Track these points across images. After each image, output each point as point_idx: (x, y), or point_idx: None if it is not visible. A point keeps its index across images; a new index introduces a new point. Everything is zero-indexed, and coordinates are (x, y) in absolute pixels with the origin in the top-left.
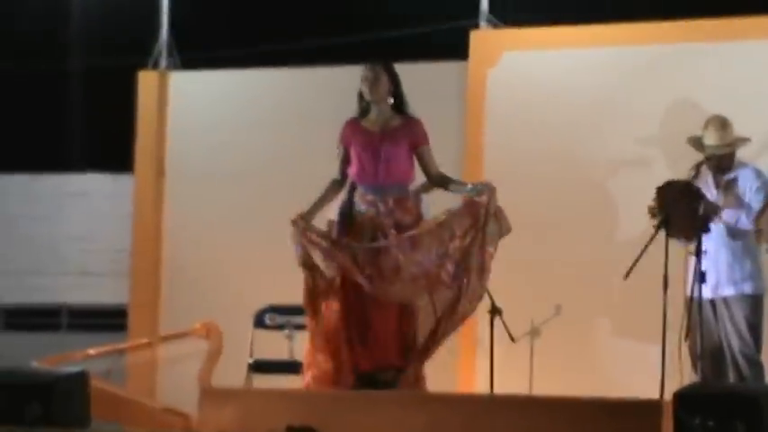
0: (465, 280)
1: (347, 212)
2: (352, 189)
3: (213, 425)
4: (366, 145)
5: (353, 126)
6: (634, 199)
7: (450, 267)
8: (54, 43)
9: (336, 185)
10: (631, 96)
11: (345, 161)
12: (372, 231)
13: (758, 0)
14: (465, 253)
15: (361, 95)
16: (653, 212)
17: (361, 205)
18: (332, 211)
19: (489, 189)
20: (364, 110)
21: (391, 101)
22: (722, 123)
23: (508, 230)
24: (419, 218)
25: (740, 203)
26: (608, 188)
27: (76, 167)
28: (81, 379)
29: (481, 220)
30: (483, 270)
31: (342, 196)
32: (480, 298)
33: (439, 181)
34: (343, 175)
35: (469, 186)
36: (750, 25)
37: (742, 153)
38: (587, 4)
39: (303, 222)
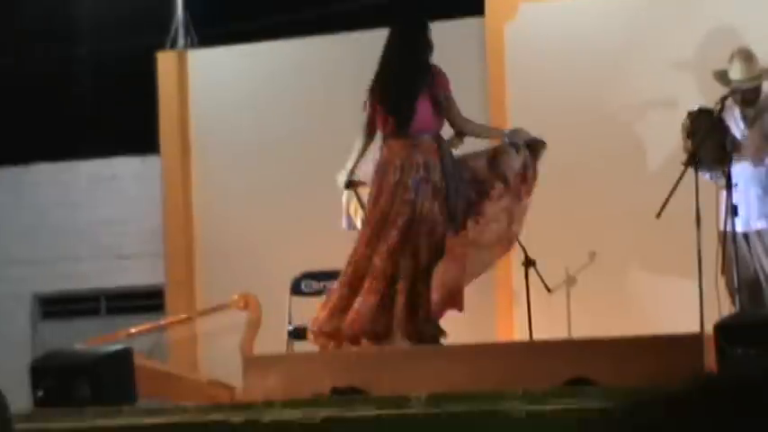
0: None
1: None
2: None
3: (259, 392)
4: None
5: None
6: (663, 139)
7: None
8: (69, 29)
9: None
10: (654, 37)
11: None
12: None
13: None
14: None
15: None
16: (687, 132)
17: (392, 157)
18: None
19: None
20: None
21: None
22: (747, 56)
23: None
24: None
25: (766, 137)
26: (636, 130)
27: (104, 152)
28: (125, 356)
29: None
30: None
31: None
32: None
33: (465, 128)
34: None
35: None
36: None
37: None
38: None
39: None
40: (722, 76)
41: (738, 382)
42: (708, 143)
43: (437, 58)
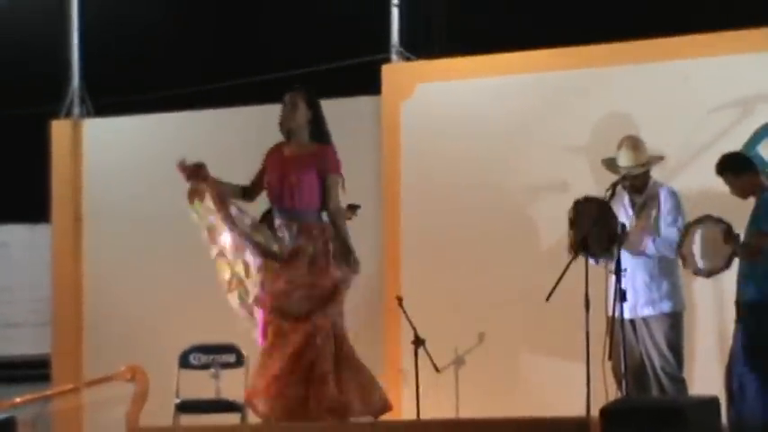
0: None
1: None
2: (270, 210)
3: None
4: (276, 169)
5: (276, 149)
6: (554, 223)
7: None
8: None
9: (240, 190)
10: (546, 122)
11: (260, 177)
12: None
13: (665, 21)
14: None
15: (281, 122)
16: (570, 222)
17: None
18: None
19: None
20: (287, 136)
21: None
22: (635, 144)
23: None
24: (326, 245)
25: (652, 226)
26: (528, 214)
27: None
28: (9, 426)
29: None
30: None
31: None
32: None
33: (332, 216)
34: (253, 186)
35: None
36: (657, 46)
37: (659, 173)
38: (497, 34)
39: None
40: (611, 164)
41: None
42: (596, 230)
43: (333, 135)
